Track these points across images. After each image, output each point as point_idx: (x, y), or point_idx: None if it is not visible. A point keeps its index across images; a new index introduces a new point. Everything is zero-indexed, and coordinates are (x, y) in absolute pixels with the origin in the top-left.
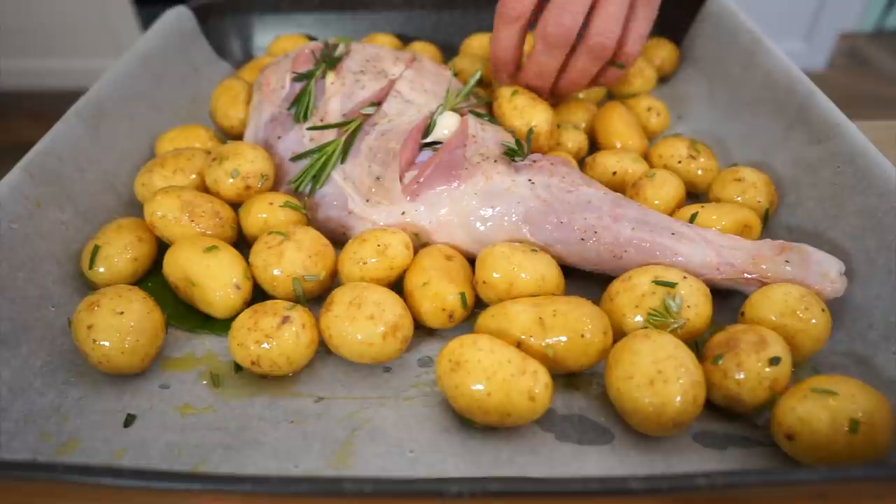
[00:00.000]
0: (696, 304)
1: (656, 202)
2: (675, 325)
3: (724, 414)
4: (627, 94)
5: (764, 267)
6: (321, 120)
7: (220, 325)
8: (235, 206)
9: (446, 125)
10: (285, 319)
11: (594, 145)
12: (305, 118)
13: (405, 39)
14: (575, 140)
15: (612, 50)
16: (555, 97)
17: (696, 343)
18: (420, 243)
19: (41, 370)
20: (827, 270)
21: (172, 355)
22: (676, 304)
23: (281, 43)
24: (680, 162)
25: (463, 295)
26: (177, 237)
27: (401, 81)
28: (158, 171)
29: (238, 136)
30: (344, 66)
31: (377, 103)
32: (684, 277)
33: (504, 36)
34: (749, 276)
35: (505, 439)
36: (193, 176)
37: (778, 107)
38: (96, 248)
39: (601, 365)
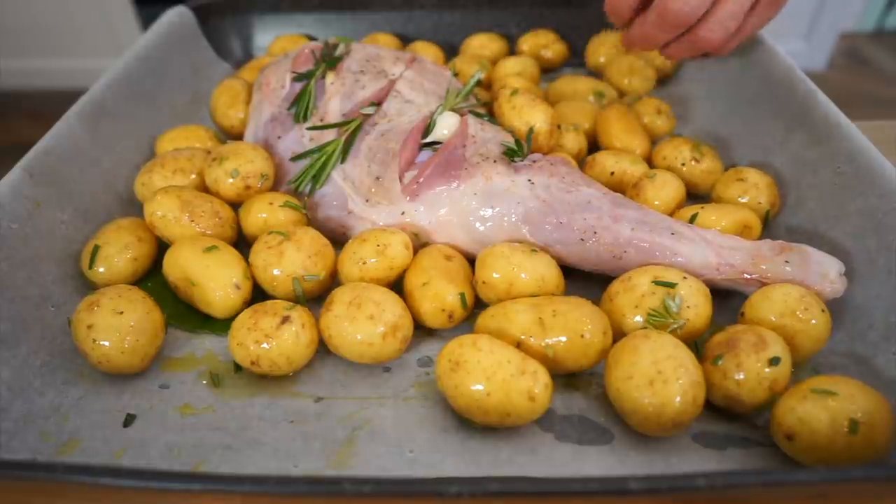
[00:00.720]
0: (695, 305)
1: (656, 203)
2: (675, 326)
3: (723, 414)
4: (633, 97)
5: (764, 267)
6: (321, 120)
7: (220, 325)
8: (235, 206)
9: (446, 125)
10: (285, 319)
11: (596, 147)
12: (305, 118)
13: (405, 39)
14: (575, 140)
15: (716, 47)
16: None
17: (696, 343)
18: (420, 243)
19: (41, 370)
20: (827, 271)
21: (172, 355)
22: (676, 305)
23: (281, 43)
24: (683, 164)
25: (463, 295)
26: (177, 237)
27: (401, 81)
28: (158, 171)
29: (238, 136)
30: (344, 66)
31: (377, 103)
32: (684, 278)
33: None
34: (749, 277)
35: (504, 439)
36: (193, 176)
37: (778, 107)
38: (96, 248)
39: (601, 365)
